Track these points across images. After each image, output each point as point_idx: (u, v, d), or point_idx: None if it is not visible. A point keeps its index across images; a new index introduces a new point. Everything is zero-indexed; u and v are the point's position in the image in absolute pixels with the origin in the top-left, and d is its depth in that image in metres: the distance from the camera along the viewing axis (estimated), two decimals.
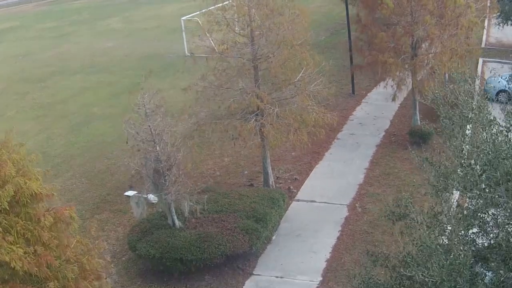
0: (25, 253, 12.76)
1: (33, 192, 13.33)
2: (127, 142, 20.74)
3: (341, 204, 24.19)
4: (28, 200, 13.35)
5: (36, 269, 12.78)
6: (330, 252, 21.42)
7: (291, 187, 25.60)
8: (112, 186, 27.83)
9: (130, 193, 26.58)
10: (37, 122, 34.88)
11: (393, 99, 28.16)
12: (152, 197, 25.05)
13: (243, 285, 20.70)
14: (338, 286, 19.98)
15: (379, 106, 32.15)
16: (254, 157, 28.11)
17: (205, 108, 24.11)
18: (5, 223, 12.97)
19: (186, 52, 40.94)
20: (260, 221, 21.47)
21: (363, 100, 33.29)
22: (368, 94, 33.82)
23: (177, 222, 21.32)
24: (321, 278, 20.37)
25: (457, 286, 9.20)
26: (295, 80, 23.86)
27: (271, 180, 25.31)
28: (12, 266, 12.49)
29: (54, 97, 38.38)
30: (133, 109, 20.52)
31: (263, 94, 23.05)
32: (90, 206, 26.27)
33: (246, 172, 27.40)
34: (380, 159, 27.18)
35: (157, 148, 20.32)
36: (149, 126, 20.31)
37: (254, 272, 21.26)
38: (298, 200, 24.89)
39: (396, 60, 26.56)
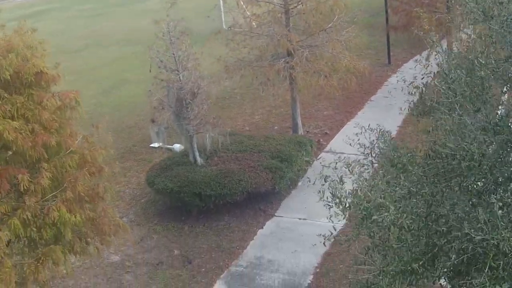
0: (21, 129, 12.09)
1: (39, 70, 12.72)
2: (150, 70, 20.19)
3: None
4: (32, 79, 12.71)
5: (30, 144, 12.03)
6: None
7: (321, 140, 24.59)
8: (139, 139, 27.28)
9: (155, 144, 26.02)
10: (68, 86, 34.42)
11: (427, 59, 26.94)
12: (178, 147, 24.42)
13: (264, 225, 19.76)
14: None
15: (414, 75, 30.95)
16: (284, 114, 27.27)
17: (235, 54, 23.36)
18: (5, 98, 12.33)
19: (224, 26, 40.51)
20: (285, 161, 20.53)
21: (398, 70, 32.11)
22: (404, 64, 32.66)
23: (198, 159, 20.52)
24: (346, 222, 19.23)
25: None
26: (327, 27, 23.06)
27: (300, 131, 24.39)
28: (5, 137, 11.77)
29: (87, 65, 38.15)
30: (157, 36, 20.00)
31: (293, 36, 22.28)
32: (114, 156, 25.63)
33: (276, 127, 26.50)
34: (414, 118, 25.98)
35: (180, 77, 19.67)
36: (173, 54, 19.70)
37: (276, 214, 20.30)
38: (327, 152, 23.84)
39: (430, 15, 25.50)
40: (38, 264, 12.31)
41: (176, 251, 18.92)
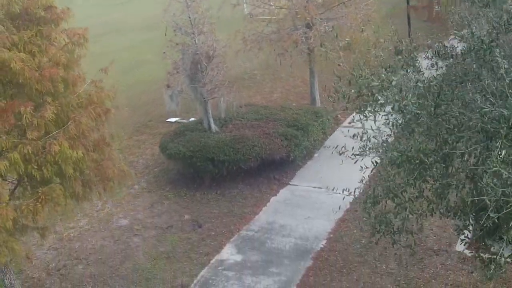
0: (28, 61, 11.75)
1: (49, 5, 12.43)
2: (165, 34, 19.79)
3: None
4: (42, 14, 12.42)
5: (37, 76, 11.70)
6: (375, 169, 19.66)
7: (339, 116, 24.01)
8: (156, 114, 26.98)
9: (172, 119, 25.67)
10: (86, 67, 34.41)
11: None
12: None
13: (278, 193, 19.23)
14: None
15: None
16: (303, 93, 26.76)
17: (253, 26, 22.94)
18: (13, 33, 12.02)
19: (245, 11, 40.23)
20: (300, 130, 20.00)
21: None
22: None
23: (213, 126, 20.10)
24: (361, 190, 18.61)
25: None
26: (346, 0, 22.58)
27: (318, 104, 23.86)
28: (12, 68, 11.45)
29: (105, 48, 37.82)
30: None
31: (312, 8, 21.78)
32: (130, 130, 25.44)
33: (294, 104, 25.92)
34: None
35: (196, 41, 19.29)
36: (189, 17, 19.32)
37: (290, 183, 19.80)
38: (345, 127, 23.24)
39: None
40: (37, 203, 11.90)
41: (186, 216, 18.47)
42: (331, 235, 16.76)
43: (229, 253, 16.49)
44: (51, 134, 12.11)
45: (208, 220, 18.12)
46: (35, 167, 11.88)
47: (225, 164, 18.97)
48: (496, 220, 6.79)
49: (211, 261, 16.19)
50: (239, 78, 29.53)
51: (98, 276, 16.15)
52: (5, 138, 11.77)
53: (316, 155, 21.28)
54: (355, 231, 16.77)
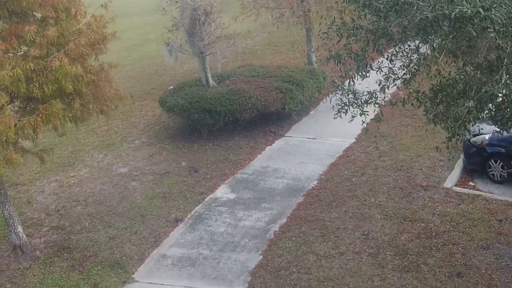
0: None
1: None
2: None
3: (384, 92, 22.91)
4: None
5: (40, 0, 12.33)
6: (368, 122, 20.16)
7: (336, 80, 24.48)
8: (158, 83, 27.55)
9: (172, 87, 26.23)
10: None
11: None
12: None
13: (273, 143, 19.74)
14: (370, 144, 18.82)
15: None
16: (302, 64, 27.17)
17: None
18: None
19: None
20: (295, 85, 20.52)
21: None
22: None
23: (210, 81, 20.65)
24: (354, 140, 19.17)
25: None
26: None
27: (314, 65, 24.34)
28: None
29: (111, 29, 38.63)
30: None
31: None
32: (133, 96, 25.98)
33: None
34: None
35: None
36: None
37: (286, 135, 20.30)
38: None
39: None
40: (38, 118, 12.44)
41: (183, 163, 18.98)
42: (323, 176, 17.22)
43: (223, 192, 16.97)
44: (52, 56, 12.68)
45: (204, 166, 18.62)
46: (37, 85, 12.45)
47: (222, 115, 19.48)
48: None
49: (205, 199, 16.67)
50: (240, 53, 30.11)
51: (96, 214, 16.63)
52: (8, 57, 12.36)
53: (311, 112, 21.80)
54: (345, 172, 17.24)
